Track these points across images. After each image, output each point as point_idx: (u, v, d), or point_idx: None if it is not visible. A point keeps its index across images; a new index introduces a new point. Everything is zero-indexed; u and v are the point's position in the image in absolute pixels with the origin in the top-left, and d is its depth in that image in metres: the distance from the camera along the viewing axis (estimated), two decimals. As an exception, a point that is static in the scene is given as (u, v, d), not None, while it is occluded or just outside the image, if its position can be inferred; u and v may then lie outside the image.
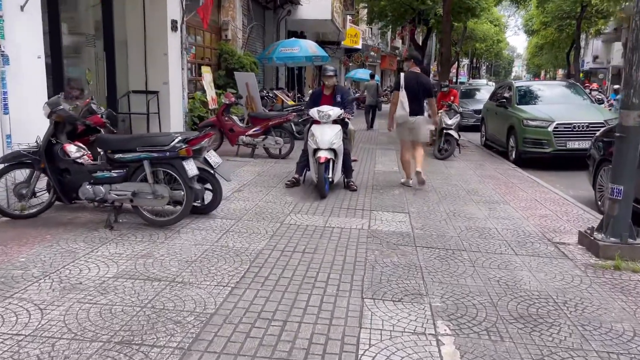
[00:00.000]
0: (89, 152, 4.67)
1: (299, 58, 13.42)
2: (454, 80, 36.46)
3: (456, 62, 39.32)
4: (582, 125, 8.61)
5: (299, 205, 5.45)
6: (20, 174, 4.69)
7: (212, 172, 4.84)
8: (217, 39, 12.21)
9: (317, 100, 6.45)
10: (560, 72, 50.93)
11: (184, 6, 8.66)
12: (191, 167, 4.44)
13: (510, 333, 2.77)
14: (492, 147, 11.24)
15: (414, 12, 23.34)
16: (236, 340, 2.59)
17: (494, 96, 11.81)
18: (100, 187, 4.42)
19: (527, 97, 10.33)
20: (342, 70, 29.15)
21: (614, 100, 15.87)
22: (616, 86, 19.02)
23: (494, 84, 26.48)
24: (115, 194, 4.42)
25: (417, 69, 6.79)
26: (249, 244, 4.12)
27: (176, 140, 4.35)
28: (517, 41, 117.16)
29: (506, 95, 10.62)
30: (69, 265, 3.54)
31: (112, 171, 4.47)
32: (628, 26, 25.32)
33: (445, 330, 2.78)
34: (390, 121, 6.81)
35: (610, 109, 13.47)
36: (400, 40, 39.72)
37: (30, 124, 4.81)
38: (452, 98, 10.40)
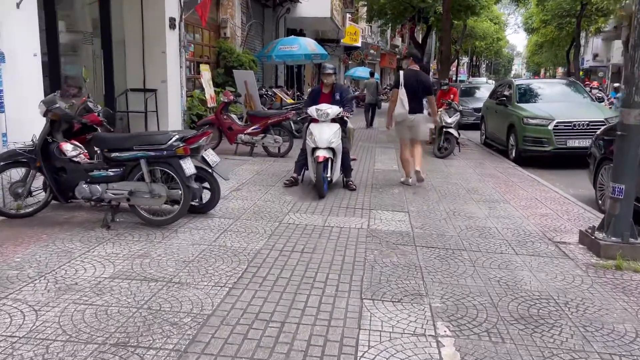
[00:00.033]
0: (86, 151, 4.63)
1: (298, 56, 13.36)
2: (454, 78, 36.40)
3: (456, 60, 39.26)
4: (583, 124, 8.57)
5: (298, 205, 5.41)
6: (16, 173, 4.64)
7: (210, 170, 4.80)
8: (215, 37, 12.15)
9: (315, 98, 6.39)
10: (560, 70, 50.89)
11: (182, 4, 8.60)
12: (189, 166, 4.40)
13: (511, 334, 2.73)
14: (492, 146, 11.20)
15: (413, 10, 23.31)
16: (233, 342, 2.56)
17: (494, 94, 11.77)
18: (97, 186, 4.38)
19: (527, 95, 10.29)
20: (342, 68, 29.08)
21: (614, 98, 15.82)
22: (616, 84, 18.98)
23: (493, 82, 26.44)
24: (112, 193, 4.38)
25: (416, 67, 6.76)
26: (247, 244, 4.08)
27: (173, 138, 4.31)
28: (517, 39, 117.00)
29: (506, 93, 10.58)
30: (65, 266, 3.50)
31: (109, 170, 4.43)
32: (628, 24, 25.29)
33: (445, 331, 2.74)
34: (389, 119, 6.77)
35: (610, 107, 13.43)
36: (400, 38, 39.67)
37: (26, 123, 4.76)
38: (451, 96, 10.36)
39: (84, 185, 4.39)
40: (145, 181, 4.35)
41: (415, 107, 6.49)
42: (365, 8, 26.42)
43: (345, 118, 6.24)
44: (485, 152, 10.53)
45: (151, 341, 2.53)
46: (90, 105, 4.94)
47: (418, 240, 4.31)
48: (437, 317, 2.90)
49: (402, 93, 6.45)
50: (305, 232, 4.46)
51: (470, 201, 5.85)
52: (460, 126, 10.41)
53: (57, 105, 4.41)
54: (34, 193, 4.72)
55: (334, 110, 5.94)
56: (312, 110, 5.99)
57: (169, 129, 7.67)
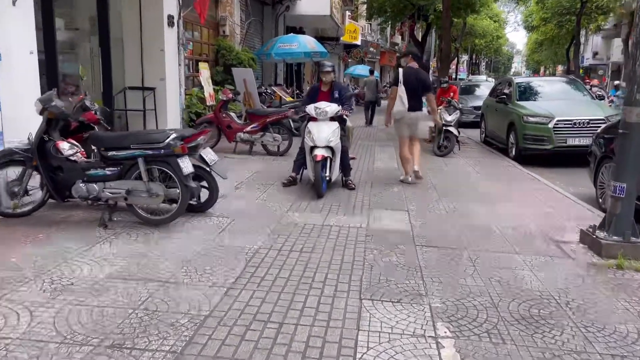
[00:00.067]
0: (83, 150, 4.59)
1: (298, 54, 13.31)
2: (454, 76, 36.36)
3: (456, 58, 39.20)
4: (583, 122, 8.53)
5: (297, 204, 5.38)
6: (13, 172, 4.60)
7: (208, 169, 4.76)
8: (214, 35, 12.10)
9: (314, 96, 6.33)
10: (560, 68, 50.83)
11: (180, 1, 8.55)
12: (186, 165, 4.36)
13: (512, 335, 2.70)
14: (491, 144, 11.16)
15: (413, 7, 23.26)
16: (231, 344, 2.52)
17: (493, 92, 11.73)
18: (94, 185, 4.35)
19: (527, 93, 10.25)
20: (341, 66, 29.02)
21: (614, 96, 15.79)
22: (616, 82, 18.94)
23: (493, 80, 26.40)
24: (109, 192, 4.35)
25: (415, 65, 6.72)
26: (245, 243, 4.05)
27: (171, 137, 4.27)
28: (517, 37, 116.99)
29: (506, 91, 10.53)
30: (61, 266, 3.47)
31: (106, 169, 4.39)
32: (628, 22, 25.25)
33: (445, 332, 2.71)
34: (388, 117, 6.74)
35: (610, 105, 13.39)
36: (400, 36, 39.59)
37: (22, 121, 4.72)
38: (451, 94, 10.33)
39: (80, 184, 4.35)
40: (143, 180, 4.32)
41: (414, 105, 6.46)
42: (365, 6, 26.36)
43: (344, 116, 6.20)
44: (485, 151, 10.50)
45: (147, 343, 2.50)
46: (87, 103, 4.89)
47: (418, 240, 4.27)
48: (437, 317, 2.87)
49: (401, 91, 6.41)
50: (304, 231, 4.43)
51: (470, 200, 5.82)
52: (460, 124, 10.37)
53: (54, 103, 4.36)
54: (30, 192, 4.67)
55: (332, 108, 5.89)
56: (310, 109, 5.94)
57: (167, 128, 7.63)
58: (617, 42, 32.62)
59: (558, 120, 8.60)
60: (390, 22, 27.80)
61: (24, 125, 4.64)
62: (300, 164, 6.21)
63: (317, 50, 13.49)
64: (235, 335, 2.61)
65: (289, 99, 13.02)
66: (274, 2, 15.91)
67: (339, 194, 5.88)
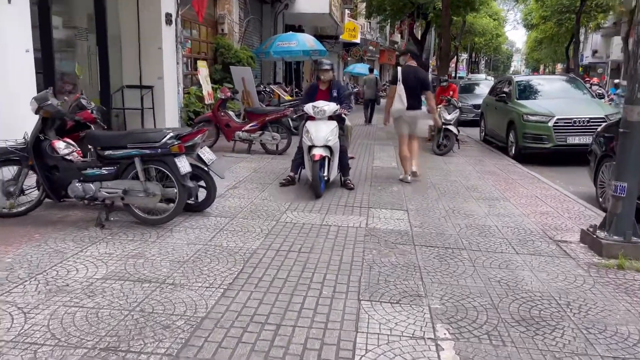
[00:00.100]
0: (79, 149, 4.54)
1: (297, 52, 13.26)
2: (453, 74, 36.31)
3: (455, 57, 39.13)
4: (583, 120, 8.50)
5: (296, 203, 5.34)
6: (8, 171, 4.56)
7: (205, 169, 4.72)
8: (213, 33, 12.05)
9: (312, 95, 6.28)
10: (560, 66, 50.79)
11: (178, -1, 8.52)
12: (183, 164, 4.32)
13: (512, 337, 2.67)
14: (491, 143, 11.13)
15: (412, 6, 23.20)
16: (227, 346, 2.49)
17: (493, 91, 11.70)
18: (90, 184, 4.31)
19: (527, 91, 10.22)
20: (341, 64, 28.96)
21: (614, 94, 15.75)
22: (616, 80, 18.90)
23: (492, 78, 26.34)
24: (106, 192, 4.31)
25: (414, 63, 6.69)
26: (243, 243, 4.01)
27: (168, 136, 4.23)
28: (516, 35, 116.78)
29: (506, 89, 10.50)
30: (57, 266, 3.43)
31: (103, 168, 4.35)
32: (628, 20, 25.20)
33: (444, 334, 2.68)
34: (386, 115, 6.71)
35: (610, 104, 13.36)
36: (399, 35, 39.52)
37: (18, 120, 4.69)
38: (451, 93, 10.29)
39: (77, 184, 4.31)
40: (140, 179, 4.28)
41: (413, 104, 6.42)
42: (364, 4, 26.29)
43: (342, 115, 6.15)
44: (484, 149, 10.46)
45: (142, 345, 2.46)
46: (84, 102, 4.85)
47: (417, 239, 4.24)
48: (436, 319, 2.84)
49: (400, 89, 6.37)
50: (303, 231, 4.39)
51: (469, 199, 5.79)
52: (460, 123, 10.33)
53: (49, 102, 4.32)
54: (26, 191, 4.64)
55: (330, 107, 5.84)
56: (308, 108, 5.89)
57: (165, 126, 7.59)
58: (617, 41, 32.58)
59: (558, 119, 8.57)
60: (389, 21, 27.73)
61: (19, 124, 4.60)
62: (298, 163, 6.15)
63: (316, 49, 13.44)
64: (232, 337, 2.58)
65: (287, 97, 12.97)
66: (273, 0, 15.84)
67: (338, 194, 5.84)
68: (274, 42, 13.10)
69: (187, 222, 4.52)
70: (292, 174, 6.22)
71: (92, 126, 4.98)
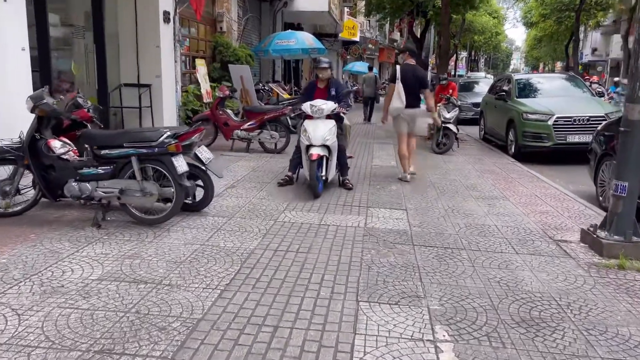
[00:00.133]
0: (75, 148, 4.50)
1: (296, 50, 13.19)
2: (453, 73, 36.24)
3: (455, 55, 39.08)
4: (583, 119, 8.47)
5: (293, 203, 5.30)
6: (4, 171, 4.53)
7: (203, 168, 4.69)
8: (211, 31, 11.99)
9: (310, 93, 6.23)
10: (559, 64, 50.75)
11: (176, -3, 8.45)
12: (181, 164, 4.28)
13: (512, 339, 2.64)
14: (491, 141, 11.10)
15: (412, 4, 23.15)
16: (224, 349, 2.45)
17: (493, 89, 11.66)
18: (87, 184, 4.27)
19: (527, 90, 10.18)
20: (340, 63, 28.89)
21: (614, 93, 15.71)
22: (616, 79, 18.85)
23: (492, 76, 26.31)
24: (102, 192, 4.27)
25: (412, 61, 6.65)
26: (240, 243, 3.98)
27: (164, 135, 4.19)
28: (516, 34, 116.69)
29: (505, 88, 10.46)
30: (52, 267, 3.39)
31: (99, 167, 4.31)
32: (627, 18, 25.16)
33: (443, 335, 2.65)
34: (385, 113, 6.67)
35: (610, 102, 13.33)
36: (399, 33, 39.42)
37: (14, 119, 4.64)
38: (450, 91, 10.25)
39: (73, 183, 4.27)
40: (137, 179, 4.24)
41: (412, 102, 6.39)
42: (364, 2, 26.23)
43: (341, 114, 6.10)
44: (484, 148, 10.43)
45: (137, 348, 2.43)
46: (80, 101, 4.80)
47: (416, 239, 4.21)
48: (435, 320, 2.80)
49: (399, 87, 6.34)
50: (301, 230, 4.36)
51: (469, 198, 5.76)
52: (459, 121, 10.29)
53: (45, 101, 4.28)
54: (22, 191, 4.60)
55: (328, 106, 5.79)
56: (306, 107, 5.84)
57: (163, 125, 7.55)
58: (617, 39, 32.54)
59: (558, 117, 8.54)
60: (389, 19, 27.68)
61: (16, 123, 4.56)
62: (296, 163, 6.09)
63: (315, 47, 13.38)
64: (229, 339, 2.55)
65: (286, 95, 12.92)
66: (272, -2, 15.79)
67: (336, 194, 5.80)
68: (273, 40, 13.04)
69: (184, 222, 4.48)
70: (290, 173, 6.17)
71: (88, 125, 4.94)
